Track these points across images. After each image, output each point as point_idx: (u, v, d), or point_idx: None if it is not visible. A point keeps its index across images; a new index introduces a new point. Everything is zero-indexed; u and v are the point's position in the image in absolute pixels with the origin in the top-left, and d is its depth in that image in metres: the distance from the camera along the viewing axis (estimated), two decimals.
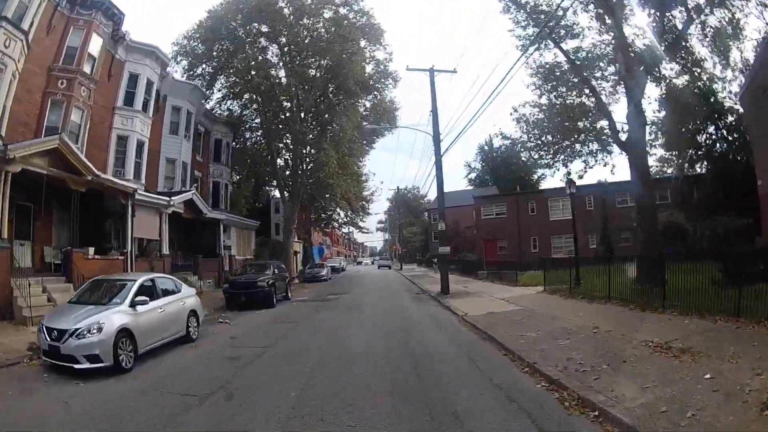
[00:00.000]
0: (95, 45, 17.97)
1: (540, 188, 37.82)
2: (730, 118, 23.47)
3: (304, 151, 30.01)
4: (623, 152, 16.68)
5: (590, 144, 17.60)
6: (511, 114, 18.56)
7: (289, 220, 30.35)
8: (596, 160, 17.78)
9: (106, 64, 19.02)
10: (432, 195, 64.60)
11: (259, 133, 33.71)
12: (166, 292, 9.42)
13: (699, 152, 25.42)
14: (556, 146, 17.53)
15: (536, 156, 17.82)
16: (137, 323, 8.01)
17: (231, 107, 32.24)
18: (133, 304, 8.15)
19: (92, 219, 18.06)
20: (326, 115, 30.28)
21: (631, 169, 15.81)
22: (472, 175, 65.87)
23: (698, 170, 26.53)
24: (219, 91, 31.24)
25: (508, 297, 15.54)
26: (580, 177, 17.76)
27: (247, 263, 22.09)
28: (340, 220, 43.33)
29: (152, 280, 9.24)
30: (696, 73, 16.43)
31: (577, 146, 17.66)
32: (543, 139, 17.65)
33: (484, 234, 32.95)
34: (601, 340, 8.01)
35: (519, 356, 7.34)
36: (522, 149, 18.03)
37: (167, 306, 9.10)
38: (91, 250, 15.63)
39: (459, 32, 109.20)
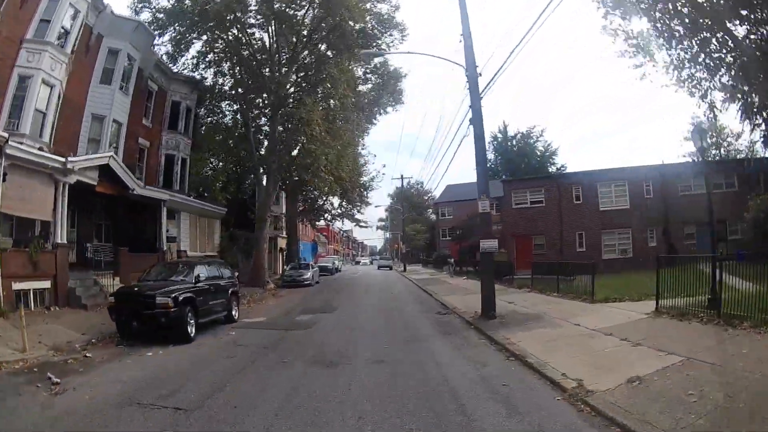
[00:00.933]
0: None
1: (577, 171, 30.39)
2: None
3: (283, 114, 22.99)
4: None
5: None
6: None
7: (263, 207, 23.17)
8: None
9: None
10: (438, 192, 58.09)
11: (234, 106, 26.75)
12: None
13: None
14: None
15: (679, 56, 10.74)
16: None
17: (204, 74, 25.39)
18: None
19: None
20: (312, 73, 23.38)
21: None
22: None
23: None
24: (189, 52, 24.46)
25: (609, 327, 8.72)
26: (748, 114, 10.60)
27: (170, 262, 15.19)
28: (333, 211, 36.18)
29: None
30: None
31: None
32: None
33: (515, 228, 25.52)
34: None
35: None
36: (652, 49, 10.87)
37: None
38: None
39: None
